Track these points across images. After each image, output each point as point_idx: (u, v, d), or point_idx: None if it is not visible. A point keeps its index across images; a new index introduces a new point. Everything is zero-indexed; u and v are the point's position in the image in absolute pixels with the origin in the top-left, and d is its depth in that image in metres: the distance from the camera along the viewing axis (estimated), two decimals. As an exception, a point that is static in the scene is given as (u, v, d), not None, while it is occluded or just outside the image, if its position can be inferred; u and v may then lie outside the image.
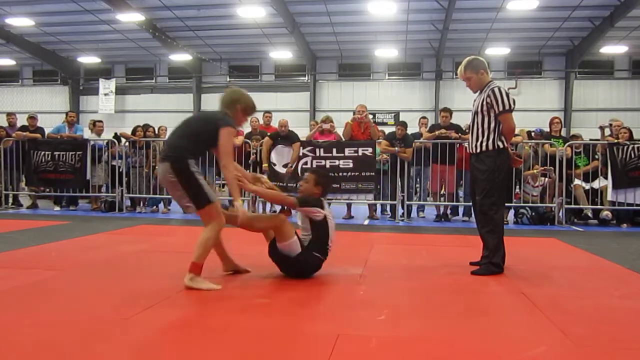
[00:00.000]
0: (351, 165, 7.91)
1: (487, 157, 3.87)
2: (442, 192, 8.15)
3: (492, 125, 3.86)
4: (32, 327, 2.45)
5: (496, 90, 3.83)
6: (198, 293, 3.12)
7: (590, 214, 7.78)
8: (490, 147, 3.86)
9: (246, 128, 8.93)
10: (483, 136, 3.89)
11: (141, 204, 8.99)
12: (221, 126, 3.30)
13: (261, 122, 9.42)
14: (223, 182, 13.01)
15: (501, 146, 3.88)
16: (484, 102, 3.86)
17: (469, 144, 4.08)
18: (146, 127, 9.08)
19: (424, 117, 9.37)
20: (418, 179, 8.43)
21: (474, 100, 4.06)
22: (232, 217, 3.40)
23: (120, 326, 2.48)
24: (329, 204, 8.47)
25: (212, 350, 2.20)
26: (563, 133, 10.75)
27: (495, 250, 3.85)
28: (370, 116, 9.73)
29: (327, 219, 3.59)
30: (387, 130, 9.41)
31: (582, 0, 15.08)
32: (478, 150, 3.92)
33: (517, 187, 7.92)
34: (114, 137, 9.12)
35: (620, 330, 2.56)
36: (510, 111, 3.85)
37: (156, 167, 8.72)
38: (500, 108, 3.81)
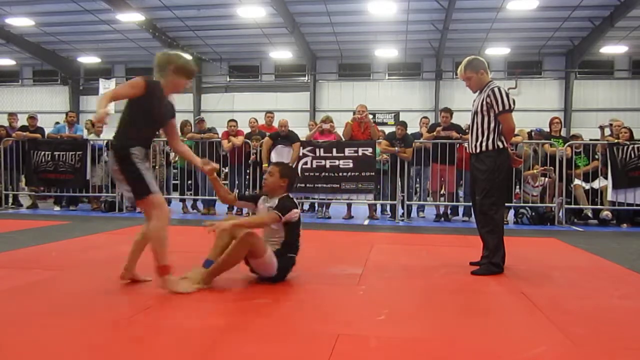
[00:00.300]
0: (351, 165, 7.90)
1: (487, 157, 3.87)
2: (442, 192, 8.15)
3: (492, 125, 3.86)
4: (32, 327, 2.45)
5: (496, 90, 3.83)
6: (198, 293, 3.12)
7: (590, 214, 7.78)
8: (490, 147, 3.86)
9: (246, 128, 8.94)
10: (483, 136, 3.88)
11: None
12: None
13: (263, 122, 9.41)
14: (223, 182, 13.02)
15: (501, 146, 3.88)
16: (484, 102, 3.86)
17: (468, 144, 4.08)
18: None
19: (425, 117, 9.37)
20: (418, 179, 8.43)
21: (474, 101, 4.06)
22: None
23: (120, 326, 2.48)
24: (329, 204, 8.52)
25: (212, 350, 2.20)
26: (563, 133, 10.75)
27: (495, 250, 3.85)
28: (370, 116, 9.73)
29: (299, 215, 3.53)
30: (387, 130, 9.41)
31: (582, 0, 15.08)
32: (478, 150, 3.92)
33: (517, 187, 7.92)
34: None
35: (620, 330, 2.56)
36: (510, 111, 3.85)
37: (156, 167, 8.73)
38: (500, 108, 3.81)
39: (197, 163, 3.54)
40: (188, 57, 3.32)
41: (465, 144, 7.72)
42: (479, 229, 4.02)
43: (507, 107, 3.82)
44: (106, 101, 2.90)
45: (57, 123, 9.62)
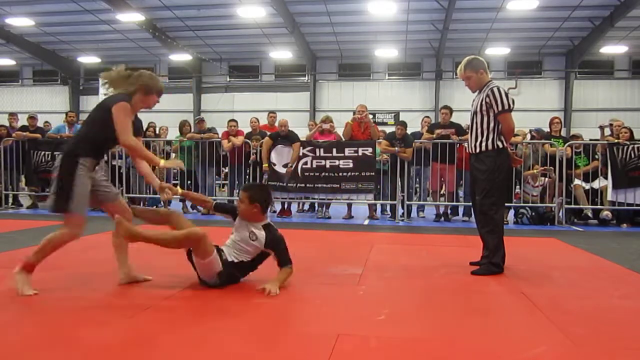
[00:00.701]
0: (351, 165, 7.90)
1: (486, 157, 3.87)
2: (442, 192, 8.15)
3: (492, 125, 3.85)
4: (32, 327, 2.45)
5: (495, 90, 3.83)
6: (197, 293, 3.12)
7: (590, 214, 7.78)
8: (490, 147, 3.85)
9: (247, 128, 8.94)
10: (482, 136, 3.88)
11: (141, 204, 8.97)
12: (113, 104, 3.00)
13: (265, 122, 9.42)
14: (223, 182, 13.03)
15: (501, 146, 3.88)
16: (483, 102, 3.86)
17: (468, 144, 4.08)
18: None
19: (427, 117, 9.36)
20: (418, 179, 8.43)
21: (473, 100, 4.07)
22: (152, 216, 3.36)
23: (121, 326, 2.48)
24: (329, 204, 8.52)
25: (212, 350, 2.20)
26: (563, 133, 10.75)
27: (495, 250, 3.84)
28: (370, 116, 9.72)
29: None
30: (387, 130, 9.41)
31: (582, 0, 15.09)
32: (477, 150, 3.91)
33: (517, 187, 7.92)
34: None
35: (620, 330, 2.56)
36: (510, 111, 3.84)
37: (156, 167, 8.73)
38: (500, 108, 3.81)
39: (155, 186, 3.53)
40: (154, 75, 3.32)
41: (465, 144, 7.78)
42: (479, 229, 4.01)
43: (506, 107, 3.81)
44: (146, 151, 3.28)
45: (47, 122, 9.50)
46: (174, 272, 3.81)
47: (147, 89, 3.18)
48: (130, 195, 8.76)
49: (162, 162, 3.27)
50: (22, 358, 2.07)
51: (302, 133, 8.94)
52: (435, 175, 8.01)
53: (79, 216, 3.04)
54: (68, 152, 3.03)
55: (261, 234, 3.22)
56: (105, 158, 8.89)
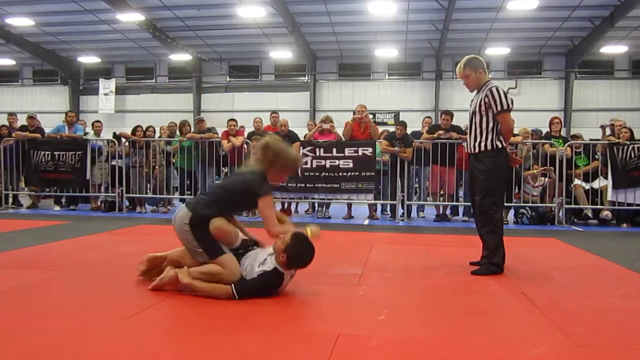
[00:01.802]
0: (351, 165, 7.90)
1: (486, 157, 3.87)
2: (441, 193, 8.15)
3: (491, 125, 3.85)
4: (32, 327, 2.45)
5: (494, 90, 3.82)
6: (195, 294, 3.12)
7: (590, 214, 7.78)
8: (489, 147, 3.86)
9: (248, 128, 8.94)
10: (482, 136, 3.88)
11: (141, 205, 8.98)
12: (260, 195, 3.14)
13: (268, 122, 9.41)
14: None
15: (500, 146, 3.88)
16: (482, 102, 3.86)
17: (467, 144, 4.08)
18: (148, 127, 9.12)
19: (428, 117, 9.36)
20: (417, 179, 8.43)
21: (471, 101, 4.07)
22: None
23: (121, 326, 2.48)
24: (329, 204, 8.52)
25: (212, 350, 2.20)
26: (563, 133, 10.75)
27: (495, 250, 3.85)
28: (370, 116, 9.72)
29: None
30: (387, 130, 9.41)
31: (582, 0, 15.08)
32: (477, 150, 3.91)
33: (517, 187, 7.92)
34: (113, 137, 9.12)
35: (620, 330, 2.56)
36: (509, 111, 3.84)
37: (156, 166, 8.73)
38: (499, 108, 3.81)
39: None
40: (295, 152, 3.34)
41: (464, 144, 7.78)
42: (479, 229, 4.01)
43: (505, 107, 3.81)
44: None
45: (29, 118, 9.41)
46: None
47: (284, 167, 3.30)
48: (130, 195, 8.77)
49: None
50: (22, 359, 2.08)
51: (302, 133, 8.94)
52: (435, 177, 8.01)
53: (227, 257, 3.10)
54: (200, 218, 3.09)
55: (270, 264, 3.07)
56: (105, 158, 8.92)
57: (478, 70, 3.94)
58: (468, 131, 4.08)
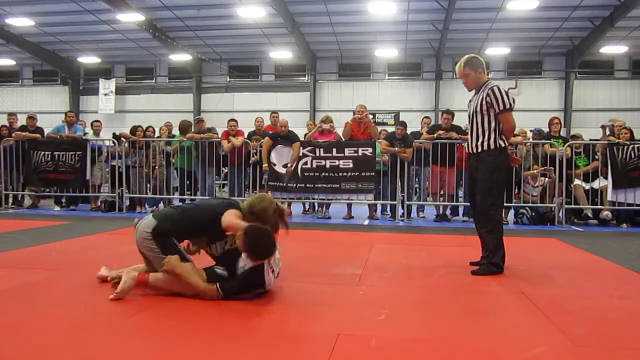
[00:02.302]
0: (351, 165, 7.90)
1: (488, 157, 3.86)
2: (441, 193, 8.14)
3: (493, 124, 3.85)
4: (32, 327, 2.45)
5: (495, 89, 3.82)
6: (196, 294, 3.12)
7: (590, 214, 7.77)
8: (492, 146, 3.85)
9: (248, 128, 8.94)
10: (483, 136, 3.87)
11: (141, 205, 8.98)
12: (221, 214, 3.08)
13: (267, 122, 9.42)
14: (223, 182, 13.04)
15: (502, 145, 3.88)
16: (484, 102, 3.85)
17: (468, 144, 4.06)
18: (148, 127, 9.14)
19: (427, 117, 9.36)
20: (417, 179, 8.43)
21: (470, 101, 4.07)
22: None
23: (120, 326, 2.48)
24: (329, 204, 8.52)
25: (212, 350, 2.20)
26: (563, 133, 10.76)
27: (495, 250, 3.85)
28: (370, 116, 9.72)
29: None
30: (387, 130, 9.40)
31: (582, 0, 15.09)
32: (479, 150, 3.90)
33: (517, 187, 7.92)
34: (113, 137, 9.12)
35: (620, 330, 2.56)
36: (511, 110, 3.84)
37: (156, 166, 8.73)
38: (501, 107, 3.80)
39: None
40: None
41: (464, 144, 7.77)
42: (479, 229, 4.01)
43: (507, 106, 3.81)
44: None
45: (29, 118, 9.38)
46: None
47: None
48: (130, 195, 8.77)
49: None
50: (22, 359, 2.08)
51: (302, 133, 8.94)
52: (435, 178, 8.01)
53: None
54: (162, 230, 3.14)
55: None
56: (105, 158, 8.93)
57: (478, 70, 3.94)
58: (469, 131, 4.06)
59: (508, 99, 3.82)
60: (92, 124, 9.38)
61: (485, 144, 3.86)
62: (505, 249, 3.90)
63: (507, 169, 4.49)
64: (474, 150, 3.94)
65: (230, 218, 3.02)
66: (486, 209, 3.88)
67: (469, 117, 4.04)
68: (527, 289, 3.32)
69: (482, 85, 3.93)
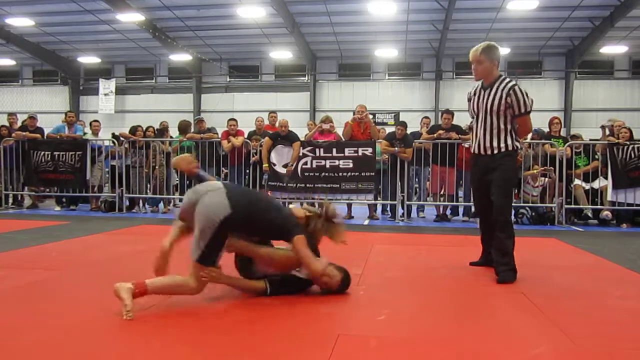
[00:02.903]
0: (351, 165, 7.91)
1: (505, 159, 3.67)
2: (441, 193, 8.15)
3: (509, 126, 3.67)
4: (32, 327, 2.45)
5: (517, 89, 3.61)
6: (197, 294, 3.12)
7: (590, 214, 7.78)
8: (510, 147, 3.67)
9: (248, 128, 8.95)
10: (500, 137, 3.67)
11: (140, 204, 8.98)
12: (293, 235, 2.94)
13: (266, 122, 9.42)
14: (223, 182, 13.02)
15: (518, 147, 3.75)
16: (503, 101, 3.61)
17: (477, 144, 3.78)
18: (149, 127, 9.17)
19: (426, 117, 9.37)
20: (416, 179, 8.43)
21: (474, 94, 3.81)
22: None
23: (120, 326, 2.48)
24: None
25: (212, 350, 2.20)
26: (563, 133, 10.75)
27: (512, 255, 3.66)
28: (370, 116, 9.72)
29: None
30: (387, 130, 9.41)
31: (582, 0, 15.09)
32: (495, 152, 3.68)
33: (517, 187, 7.92)
34: (112, 137, 9.13)
35: (620, 330, 2.56)
36: (530, 112, 3.68)
37: (156, 167, 8.73)
38: (522, 110, 3.63)
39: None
40: None
41: (467, 144, 7.79)
42: (498, 234, 3.67)
43: (528, 109, 3.65)
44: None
45: (30, 118, 9.39)
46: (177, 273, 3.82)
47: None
48: (130, 195, 8.77)
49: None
50: (22, 359, 2.08)
51: (302, 133, 8.94)
52: (435, 178, 8.01)
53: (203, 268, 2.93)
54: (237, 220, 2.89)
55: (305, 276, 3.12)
56: (105, 157, 8.93)
57: (493, 61, 3.71)
58: (479, 130, 3.78)
59: (529, 100, 3.65)
60: (91, 124, 9.38)
61: (503, 145, 3.66)
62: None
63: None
64: (488, 152, 3.71)
65: (311, 258, 2.93)
66: (505, 212, 3.67)
67: (477, 112, 3.77)
68: (527, 289, 3.32)
69: (494, 80, 3.70)
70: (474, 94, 3.83)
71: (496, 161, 3.68)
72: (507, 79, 3.69)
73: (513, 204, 7.72)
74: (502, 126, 3.66)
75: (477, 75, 3.77)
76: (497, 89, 3.66)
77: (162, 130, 9.40)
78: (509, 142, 3.67)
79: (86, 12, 16.67)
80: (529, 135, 8.52)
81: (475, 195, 4.03)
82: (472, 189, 4.13)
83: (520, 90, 3.62)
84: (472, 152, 3.91)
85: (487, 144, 3.71)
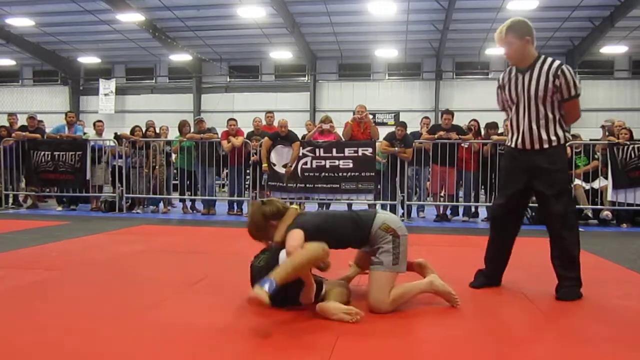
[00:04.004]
0: (351, 165, 7.91)
1: (557, 152, 3.17)
2: (441, 194, 8.15)
3: (557, 114, 3.16)
4: (32, 327, 2.45)
5: (566, 70, 3.09)
6: (197, 294, 3.12)
7: (590, 214, 7.77)
8: (562, 139, 3.17)
9: (249, 128, 8.95)
10: (549, 127, 3.15)
11: (143, 204, 8.98)
12: None
13: (264, 122, 9.42)
14: (222, 182, 13.03)
15: (570, 138, 3.28)
16: (550, 85, 3.09)
17: (522, 138, 3.22)
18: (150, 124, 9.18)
19: (426, 117, 9.37)
20: (416, 179, 8.43)
21: (511, 81, 3.24)
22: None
23: (120, 326, 2.48)
24: (329, 204, 8.52)
25: (212, 350, 2.20)
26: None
27: (579, 265, 3.18)
28: (370, 116, 9.72)
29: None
30: (387, 130, 9.41)
31: (582, 0, 15.10)
32: (545, 146, 3.16)
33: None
34: (114, 137, 9.13)
35: (620, 330, 2.56)
36: (579, 95, 3.16)
37: (156, 167, 8.73)
38: (572, 92, 3.10)
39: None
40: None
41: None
42: (567, 245, 3.15)
43: (579, 91, 3.13)
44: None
45: (40, 121, 9.43)
46: (178, 273, 3.82)
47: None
48: (130, 195, 8.77)
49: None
50: (22, 358, 2.08)
51: (301, 133, 8.94)
52: (435, 178, 8.01)
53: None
54: None
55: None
56: (106, 158, 8.93)
57: (524, 38, 3.15)
58: (521, 121, 3.23)
59: (579, 82, 3.15)
60: (94, 124, 9.39)
61: (554, 137, 3.16)
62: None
63: None
64: (536, 146, 3.18)
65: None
66: (571, 214, 3.18)
67: (516, 101, 3.23)
68: (527, 289, 3.32)
69: (533, 60, 3.17)
70: (508, 80, 3.28)
71: (547, 158, 3.16)
72: (550, 58, 3.16)
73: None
74: (550, 115, 3.15)
75: (510, 60, 3.25)
76: (540, 71, 3.13)
77: (161, 135, 9.41)
78: (560, 133, 3.16)
79: (86, 12, 16.68)
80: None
81: (502, 198, 3.40)
82: (502, 189, 3.47)
83: (569, 70, 3.11)
84: (509, 146, 3.34)
85: (535, 137, 3.17)
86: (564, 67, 3.11)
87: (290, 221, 2.80)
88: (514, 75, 3.25)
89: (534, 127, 3.18)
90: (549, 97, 3.12)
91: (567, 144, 3.25)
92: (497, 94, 3.42)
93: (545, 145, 3.17)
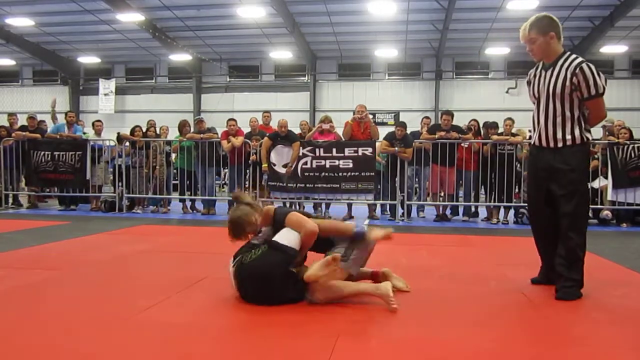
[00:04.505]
0: (351, 165, 7.91)
1: (575, 152, 3.10)
2: (441, 194, 8.15)
3: (577, 112, 3.09)
4: (32, 327, 2.45)
5: (585, 68, 3.04)
6: (197, 294, 3.12)
7: (590, 214, 7.77)
8: (579, 139, 3.09)
9: (247, 128, 8.95)
10: (565, 126, 3.09)
11: (144, 204, 8.99)
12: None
13: (260, 122, 9.43)
14: (222, 182, 13.04)
15: (590, 138, 3.18)
16: (567, 83, 3.05)
17: (539, 135, 3.22)
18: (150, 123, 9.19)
19: (426, 117, 9.37)
20: (416, 179, 8.43)
21: (536, 77, 3.23)
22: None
23: (120, 327, 2.48)
24: (329, 204, 8.52)
25: (212, 350, 2.20)
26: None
27: (582, 266, 3.16)
28: (370, 116, 9.72)
29: None
30: (387, 130, 9.41)
31: (582, 0, 15.08)
32: (560, 145, 3.11)
33: (517, 187, 7.92)
34: (117, 137, 9.13)
35: (620, 330, 2.56)
36: (603, 95, 3.07)
37: (156, 167, 8.74)
38: (592, 91, 3.02)
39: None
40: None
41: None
42: (573, 246, 3.13)
43: (600, 90, 3.03)
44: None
45: (42, 121, 9.44)
46: (178, 273, 3.82)
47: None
48: (130, 195, 8.77)
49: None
50: (22, 358, 2.08)
51: (297, 133, 8.94)
52: (435, 178, 8.01)
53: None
54: None
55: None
56: (106, 158, 8.93)
57: (549, 34, 3.17)
58: (540, 118, 3.22)
59: (601, 80, 3.03)
60: (93, 124, 9.39)
61: (569, 136, 3.08)
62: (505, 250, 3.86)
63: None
64: (551, 144, 3.14)
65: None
66: (581, 217, 3.12)
67: (537, 97, 3.22)
68: (527, 289, 3.32)
69: (557, 57, 3.16)
70: (534, 76, 3.28)
71: (562, 157, 3.11)
72: (573, 55, 3.14)
73: (513, 204, 7.80)
74: (567, 113, 3.09)
75: (535, 56, 3.26)
76: (561, 68, 3.11)
77: (161, 135, 9.41)
78: (577, 132, 3.09)
79: (86, 12, 16.67)
80: (529, 135, 8.55)
81: (530, 196, 3.45)
82: (527, 187, 3.46)
83: (590, 68, 3.03)
84: (531, 144, 3.37)
85: (550, 134, 3.14)
86: (583, 64, 3.05)
87: (263, 209, 3.13)
88: (539, 71, 3.22)
89: (550, 124, 3.14)
90: (567, 95, 3.06)
91: (589, 143, 3.19)
92: (527, 89, 3.43)
93: (560, 144, 3.12)
